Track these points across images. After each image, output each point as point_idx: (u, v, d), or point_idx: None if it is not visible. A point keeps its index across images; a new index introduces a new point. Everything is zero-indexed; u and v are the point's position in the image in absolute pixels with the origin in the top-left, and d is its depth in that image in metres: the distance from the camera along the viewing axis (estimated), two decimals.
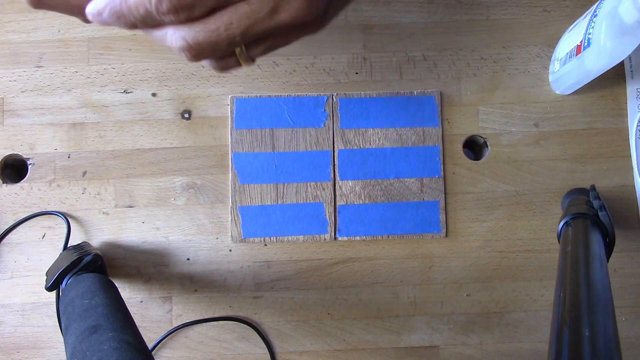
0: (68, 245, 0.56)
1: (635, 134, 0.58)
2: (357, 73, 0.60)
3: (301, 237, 0.58)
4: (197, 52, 0.28)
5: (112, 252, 0.58)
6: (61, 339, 0.56)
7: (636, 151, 0.58)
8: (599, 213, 0.48)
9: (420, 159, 0.59)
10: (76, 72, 0.60)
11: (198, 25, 0.27)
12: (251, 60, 0.32)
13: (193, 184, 0.59)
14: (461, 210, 0.59)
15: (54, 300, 0.56)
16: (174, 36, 0.28)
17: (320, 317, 0.58)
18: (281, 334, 0.58)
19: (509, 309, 0.58)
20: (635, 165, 0.58)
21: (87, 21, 0.30)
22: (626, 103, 0.59)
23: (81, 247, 0.54)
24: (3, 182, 0.59)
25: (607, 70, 0.51)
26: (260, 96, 0.59)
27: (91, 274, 0.50)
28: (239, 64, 0.33)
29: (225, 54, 0.31)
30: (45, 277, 0.53)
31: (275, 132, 0.59)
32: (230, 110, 0.59)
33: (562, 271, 0.41)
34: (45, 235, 0.58)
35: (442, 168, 0.59)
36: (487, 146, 0.60)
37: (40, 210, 0.58)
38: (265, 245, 0.59)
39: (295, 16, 0.28)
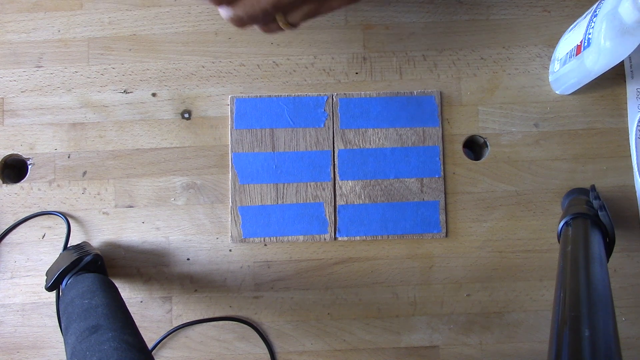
0: (68, 245, 0.56)
1: (635, 134, 0.58)
2: (357, 73, 0.60)
3: (301, 237, 0.58)
4: (239, 22, 0.36)
5: (112, 252, 0.58)
6: (61, 339, 0.56)
7: (636, 151, 0.58)
8: (599, 213, 0.48)
9: (420, 159, 0.59)
10: (76, 72, 0.60)
11: (237, 4, 0.35)
12: (291, 25, 0.38)
13: (193, 184, 0.59)
14: (461, 210, 0.59)
15: (54, 300, 0.56)
16: (222, 13, 0.37)
17: (320, 317, 0.58)
18: (281, 334, 0.58)
19: (509, 309, 0.58)
20: (635, 165, 0.58)
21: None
22: (626, 103, 0.59)
23: (81, 247, 0.54)
24: (3, 182, 0.59)
25: (607, 70, 0.51)
26: (260, 96, 0.59)
27: (91, 274, 0.50)
28: (281, 29, 0.38)
29: (266, 21, 0.37)
30: (45, 277, 0.53)
31: (275, 132, 0.59)
32: (230, 110, 0.59)
33: (562, 271, 0.41)
34: (45, 235, 0.58)
35: (442, 168, 0.59)
36: (487, 146, 0.60)
37: (40, 210, 0.58)
38: (265, 245, 0.59)
39: None
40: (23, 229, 0.59)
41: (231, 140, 0.59)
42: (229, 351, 0.57)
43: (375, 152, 0.59)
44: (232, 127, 0.59)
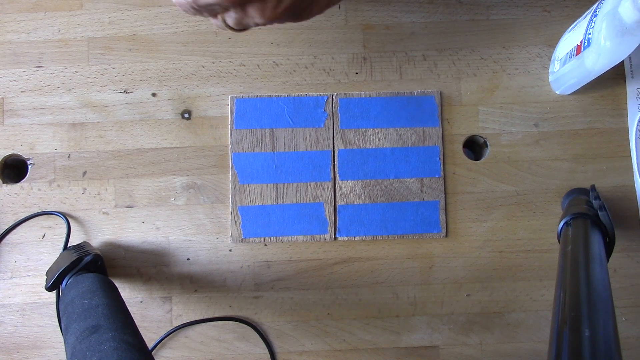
0: (68, 245, 0.56)
1: (635, 134, 0.58)
2: (357, 73, 0.60)
3: (301, 237, 0.58)
4: (179, 5, 0.38)
5: (112, 252, 0.58)
6: (61, 339, 0.56)
7: (636, 151, 0.58)
8: (599, 213, 0.48)
9: (420, 159, 0.59)
10: (76, 72, 0.60)
11: None
12: (229, 26, 0.40)
13: (193, 184, 0.59)
14: (461, 210, 0.59)
15: (54, 300, 0.56)
16: None
17: (320, 317, 0.58)
18: (281, 334, 0.58)
19: (509, 309, 0.58)
20: (635, 165, 0.58)
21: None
22: (626, 103, 0.59)
23: (81, 247, 0.54)
24: (3, 182, 0.59)
25: (607, 70, 0.51)
26: (260, 96, 0.59)
27: (91, 274, 0.50)
28: (231, 28, 0.40)
29: (210, 14, 0.39)
30: (45, 277, 0.53)
31: (275, 132, 0.59)
32: (230, 110, 0.59)
33: (562, 271, 0.41)
34: (45, 235, 0.58)
35: (442, 168, 0.59)
36: (487, 146, 0.60)
37: (40, 210, 0.58)
38: (265, 245, 0.59)
39: None
40: (23, 229, 0.59)
41: (231, 140, 0.59)
42: (229, 351, 0.57)
43: (375, 152, 0.59)
44: (232, 127, 0.59)
